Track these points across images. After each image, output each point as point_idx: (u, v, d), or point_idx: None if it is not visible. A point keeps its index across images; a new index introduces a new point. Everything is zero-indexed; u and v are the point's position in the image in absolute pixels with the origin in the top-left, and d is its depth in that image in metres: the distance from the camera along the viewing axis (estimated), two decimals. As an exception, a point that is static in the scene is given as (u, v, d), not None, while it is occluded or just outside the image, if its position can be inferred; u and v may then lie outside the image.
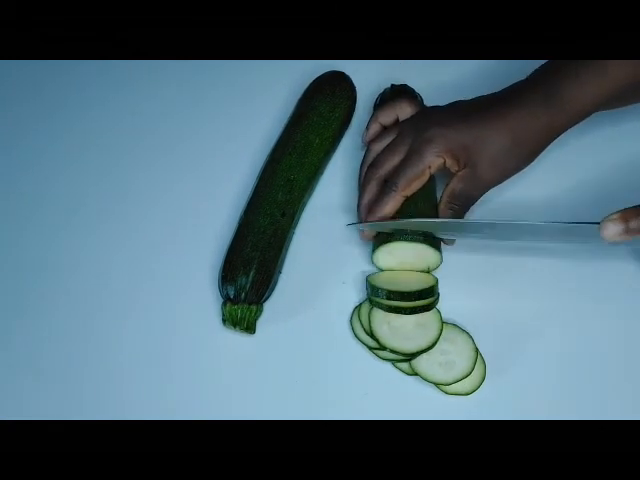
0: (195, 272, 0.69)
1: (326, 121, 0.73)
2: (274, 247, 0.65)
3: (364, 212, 0.66)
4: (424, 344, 0.61)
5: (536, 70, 0.64)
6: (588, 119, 0.64)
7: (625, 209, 0.55)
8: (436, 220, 0.64)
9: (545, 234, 0.61)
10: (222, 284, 0.64)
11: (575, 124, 0.64)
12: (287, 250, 0.69)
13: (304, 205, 0.71)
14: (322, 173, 0.74)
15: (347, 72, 0.77)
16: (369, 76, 0.78)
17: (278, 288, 0.67)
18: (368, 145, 0.70)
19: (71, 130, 0.80)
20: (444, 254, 0.65)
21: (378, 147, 0.68)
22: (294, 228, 0.70)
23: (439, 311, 0.63)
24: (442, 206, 0.65)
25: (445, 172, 0.65)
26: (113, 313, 0.68)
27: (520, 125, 0.62)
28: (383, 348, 0.61)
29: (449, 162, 0.63)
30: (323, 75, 0.77)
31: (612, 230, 0.55)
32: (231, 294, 0.63)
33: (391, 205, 0.64)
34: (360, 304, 0.66)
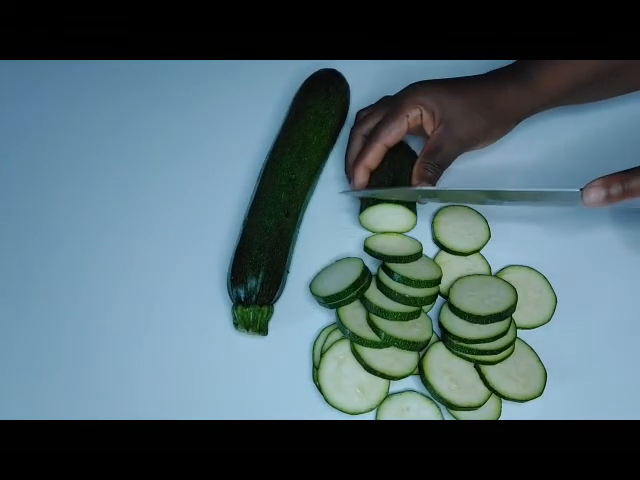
0: (202, 277, 0.69)
1: (322, 119, 0.74)
2: (281, 247, 0.66)
3: (350, 164, 0.70)
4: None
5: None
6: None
7: (607, 175, 0.57)
8: (424, 188, 0.65)
9: (528, 199, 0.64)
10: (232, 287, 0.64)
11: (545, 108, 0.70)
12: (293, 249, 0.69)
13: (306, 203, 0.72)
14: (321, 171, 0.75)
15: (339, 70, 0.78)
16: (361, 74, 0.79)
17: (285, 288, 0.67)
18: (357, 114, 0.74)
19: (71, 133, 0.79)
20: None
21: (365, 114, 0.72)
22: (298, 227, 0.70)
23: None
24: (417, 165, 0.67)
25: (422, 134, 0.69)
26: (122, 320, 0.67)
27: (491, 92, 0.67)
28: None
29: (425, 115, 0.67)
30: (316, 73, 0.78)
31: (594, 196, 0.57)
32: (242, 297, 0.63)
33: (373, 154, 0.68)
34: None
